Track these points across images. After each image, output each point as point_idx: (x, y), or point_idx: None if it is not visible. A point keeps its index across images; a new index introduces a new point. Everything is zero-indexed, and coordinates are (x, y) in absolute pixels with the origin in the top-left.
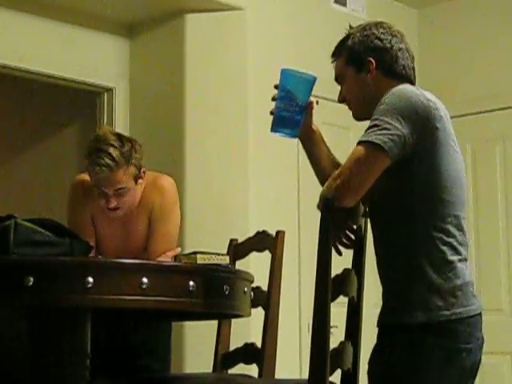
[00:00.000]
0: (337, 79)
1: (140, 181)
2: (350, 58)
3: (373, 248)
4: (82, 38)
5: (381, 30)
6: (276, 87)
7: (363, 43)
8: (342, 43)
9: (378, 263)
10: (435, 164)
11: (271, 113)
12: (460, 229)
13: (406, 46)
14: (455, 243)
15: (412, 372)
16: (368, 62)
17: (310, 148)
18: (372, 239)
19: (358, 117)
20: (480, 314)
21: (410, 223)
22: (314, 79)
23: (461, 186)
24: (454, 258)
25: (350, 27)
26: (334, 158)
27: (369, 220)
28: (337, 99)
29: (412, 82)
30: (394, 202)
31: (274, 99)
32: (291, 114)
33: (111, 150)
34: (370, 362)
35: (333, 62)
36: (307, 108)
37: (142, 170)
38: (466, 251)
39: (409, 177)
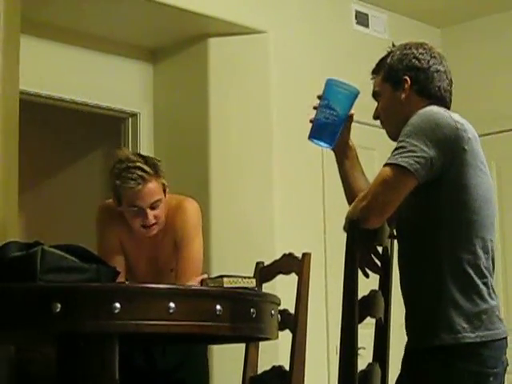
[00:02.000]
0: (374, 95)
1: (165, 196)
2: (388, 75)
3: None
4: (106, 64)
5: (420, 50)
6: (319, 97)
7: (401, 61)
8: (383, 60)
9: (402, 284)
10: (463, 185)
11: (311, 121)
12: (486, 251)
13: (444, 68)
14: (481, 266)
15: None
16: (403, 81)
17: (342, 162)
18: (396, 261)
19: (391, 135)
20: (505, 338)
21: (436, 244)
22: (357, 92)
23: (489, 208)
24: (480, 281)
25: (393, 45)
26: (365, 179)
27: (397, 241)
28: (372, 116)
29: (447, 105)
30: (421, 223)
31: (315, 108)
32: (330, 123)
33: (139, 164)
34: None
35: (372, 78)
36: (346, 120)
37: (167, 184)
38: (492, 274)
39: (437, 198)
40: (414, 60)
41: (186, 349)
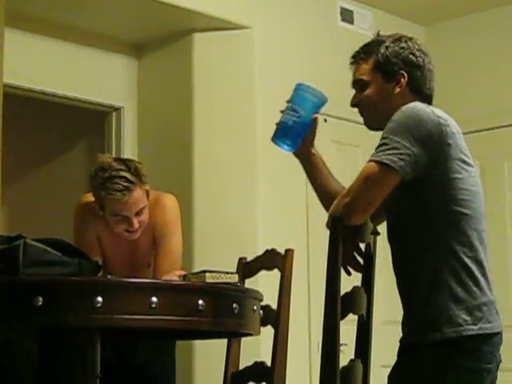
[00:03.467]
0: (355, 82)
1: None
2: (381, 65)
3: (381, 266)
4: (91, 58)
5: (415, 46)
6: (288, 101)
7: (398, 55)
8: (370, 48)
9: (398, 281)
10: (450, 179)
11: (276, 124)
12: (481, 242)
13: (432, 67)
14: (479, 257)
15: None
16: (399, 75)
17: (308, 169)
18: (384, 257)
19: (371, 125)
20: (501, 333)
21: (430, 238)
22: (324, 100)
23: (478, 200)
24: (478, 272)
25: (378, 34)
26: (336, 181)
27: (388, 239)
28: (350, 102)
29: (431, 104)
30: (412, 219)
31: (282, 111)
32: (293, 127)
33: (122, 173)
34: (393, 379)
35: (354, 63)
36: (311, 125)
37: (148, 187)
38: (488, 265)
39: (425, 194)
40: (411, 56)
41: (156, 346)
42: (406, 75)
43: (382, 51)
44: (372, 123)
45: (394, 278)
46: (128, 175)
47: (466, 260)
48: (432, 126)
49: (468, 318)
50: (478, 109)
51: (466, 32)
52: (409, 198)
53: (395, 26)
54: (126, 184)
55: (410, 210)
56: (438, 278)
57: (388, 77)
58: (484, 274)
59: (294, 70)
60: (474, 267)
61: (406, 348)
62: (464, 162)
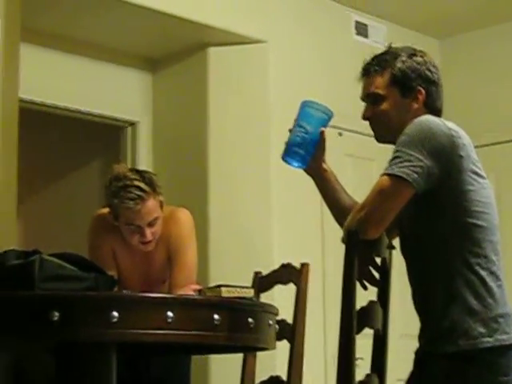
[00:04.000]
0: (369, 95)
1: (162, 211)
2: (398, 80)
3: (397, 280)
4: (106, 73)
5: (431, 62)
6: (295, 119)
7: (416, 70)
8: (384, 60)
9: (414, 294)
10: (463, 191)
11: (286, 142)
12: (496, 253)
13: (442, 81)
14: (494, 268)
15: None
16: (417, 91)
17: (320, 185)
18: (399, 270)
19: (383, 138)
20: None
21: (445, 250)
22: (330, 115)
23: (492, 211)
24: (494, 284)
25: (390, 47)
26: (349, 196)
27: (402, 252)
28: (362, 115)
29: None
30: (426, 232)
31: (290, 131)
32: (302, 144)
33: (136, 182)
34: None
35: (366, 75)
36: (319, 141)
37: (163, 199)
38: (504, 277)
39: (438, 206)
40: (427, 72)
41: (170, 362)
42: (423, 92)
43: (399, 65)
44: (384, 137)
45: (410, 291)
46: (142, 185)
47: (481, 272)
48: (444, 138)
49: (484, 331)
50: (492, 122)
51: (479, 45)
52: (422, 211)
53: (409, 39)
54: (139, 193)
55: (424, 222)
56: (453, 291)
57: (405, 92)
58: (500, 286)
59: (309, 83)
60: (488, 279)
61: (422, 359)
62: (476, 173)
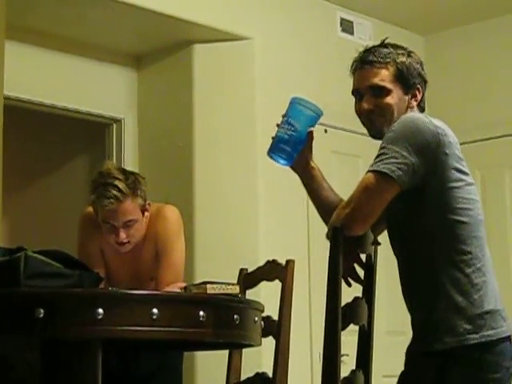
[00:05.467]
0: (371, 87)
1: (146, 213)
2: (402, 76)
3: (382, 276)
4: (91, 70)
5: (422, 61)
6: (284, 115)
7: (416, 68)
8: (386, 54)
9: (403, 290)
10: (447, 188)
11: (272, 137)
12: (482, 249)
13: None
14: (479, 264)
15: None
16: (416, 89)
17: (306, 183)
18: (385, 267)
19: (380, 133)
20: (509, 337)
21: (430, 248)
22: (319, 113)
23: (476, 207)
24: (479, 280)
25: (385, 41)
26: (335, 194)
27: (392, 249)
28: (360, 106)
29: None
30: (411, 229)
31: (278, 125)
32: (289, 141)
33: (117, 182)
34: None
35: (369, 65)
36: (306, 139)
37: (148, 202)
38: (492, 271)
39: (423, 204)
40: (422, 71)
41: (161, 357)
42: (421, 90)
43: (403, 60)
44: (381, 131)
45: (395, 288)
46: (121, 185)
47: (466, 269)
48: (429, 135)
49: (469, 327)
50: (478, 118)
51: (464, 41)
52: (407, 207)
53: (394, 36)
54: (116, 193)
55: (409, 219)
56: (439, 288)
57: (407, 88)
58: (485, 282)
59: (295, 80)
60: (474, 275)
61: (411, 357)
62: (460, 171)
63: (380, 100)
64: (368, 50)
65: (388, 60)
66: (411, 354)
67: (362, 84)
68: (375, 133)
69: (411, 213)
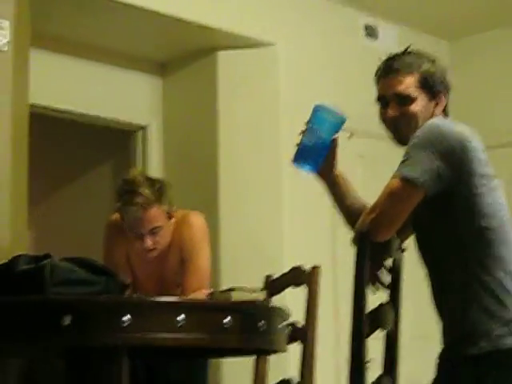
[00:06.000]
0: (397, 95)
1: (172, 220)
2: (427, 83)
3: (408, 281)
4: (116, 77)
5: (445, 68)
6: (306, 123)
7: (440, 76)
8: (410, 61)
9: (433, 297)
10: (474, 194)
11: (296, 145)
12: (511, 252)
13: None
14: (509, 268)
15: None
16: (441, 97)
17: (331, 189)
18: (410, 272)
19: (405, 140)
20: None
21: (460, 253)
22: (343, 120)
23: (504, 211)
24: (511, 284)
25: (409, 49)
26: (359, 200)
27: (419, 256)
28: (385, 113)
29: None
30: (441, 236)
31: (301, 133)
32: (313, 148)
33: (141, 189)
34: None
35: (394, 74)
36: (331, 146)
37: (174, 208)
38: None
39: (451, 210)
40: (445, 79)
41: (188, 365)
42: (443, 97)
43: (428, 68)
44: (405, 139)
45: (420, 294)
46: (146, 192)
47: (498, 273)
48: (454, 140)
49: (504, 331)
50: (504, 123)
51: (490, 46)
52: (435, 215)
53: (419, 41)
54: (141, 200)
55: (438, 226)
56: (471, 293)
57: (431, 96)
58: None
59: (319, 86)
60: (505, 280)
61: (444, 363)
62: (486, 175)
63: (405, 108)
64: (392, 58)
65: (413, 68)
66: (444, 359)
67: (388, 91)
68: (399, 139)
69: (439, 220)
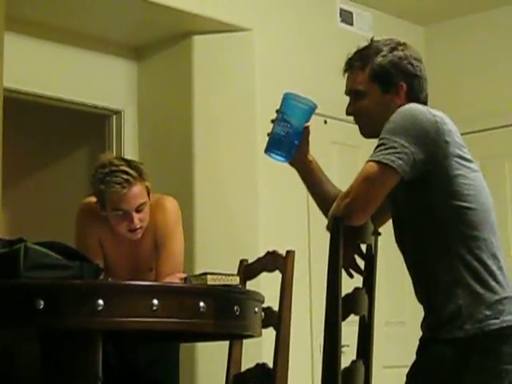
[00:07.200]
0: (354, 93)
1: (149, 198)
2: (378, 76)
3: (382, 267)
4: (90, 62)
5: (412, 54)
6: (277, 111)
7: (396, 65)
8: (365, 56)
9: (415, 282)
10: (452, 176)
11: (268, 134)
12: (494, 235)
13: (425, 73)
14: (494, 250)
15: None
16: (398, 86)
17: (305, 177)
18: (385, 257)
19: (367, 134)
20: None
21: (444, 236)
22: (313, 107)
23: (484, 193)
24: (495, 266)
25: (372, 40)
26: (333, 186)
27: (397, 240)
28: (345, 110)
29: None
30: (422, 221)
31: (273, 121)
32: (286, 137)
33: (122, 167)
34: (411, 375)
35: (349, 71)
36: (303, 134)
37: (150, 186)
38: (503, 258)
39: (430, 194)
40: (409, 66)
41: (157, 348)
42: (404, 86)
43: (379, 61)
44: (368, 132)
45: (395, 279)
46: (128, 169)
47: (481, 255)
48: (428, 124)
49: (489, 313)
50: (477, 109)
51: (464, 32)
52: (415, 200)
53: (394, 27)
54: (125, 177)
55: (418, 211)
56: (456, 276)
57: (386, 87)
58: (501, 268)
59: (294, 71)
60: (490, 262)
61: (425, 344)
62: (463, 158)
63: (358, 103)
64: (353, 54)
65: (365, 62)
66: (426, 342)
67: (347, 89)
68: (362, 133)
69: (420, 206)
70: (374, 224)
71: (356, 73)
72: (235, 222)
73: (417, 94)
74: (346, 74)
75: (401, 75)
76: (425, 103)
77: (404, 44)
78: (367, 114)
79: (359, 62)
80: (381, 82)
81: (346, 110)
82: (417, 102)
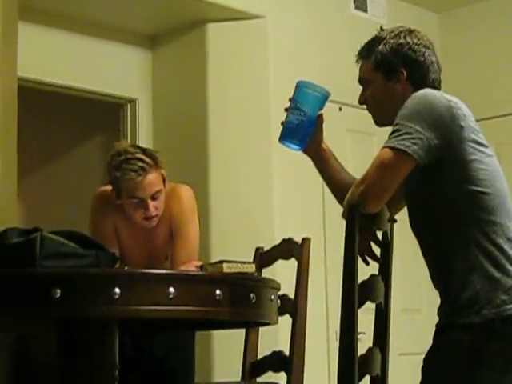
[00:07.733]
0: (362, 82)
1: (164, 186)
2: (380, 64)
3: (399, 254)
4: (105, 51)
5: (415, 40)
6: (290, 99)
7: (396, 52)
8: (371, 45)
9: (431, 267)
10: (467, 161)
11: (282, 123)
12: (510, 219)
13: (436, 58)
14: (509, 235)
15: (470, 376)
16: (399, 73)
17: (319, 166)
18: (400, 244)
19: (379, 122)
20: None
21: (459, 222)
22: (327, 95)
23: (499, 178)
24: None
25: (381, 29)
26: (347, 174)
27: (412, 227)
28: (358, 100)
29: None
30: (437, 206)
31: (286, 110)
32: (299, 126)
33: (138, 155)
34: (428, 360)
35: (358, 61)
36: (317, 122)
37: (165, 174)
38: None
39: (445, 179)
40: (410, 52)
41: (174, 338)
42: (404, 72)
43: (380, 49)
44: (380, 121)
45: (411, 266)
46: (143, 157)
47: (498, 239)
48: (443, 109)
49: (506, 298)
50: (493, 95)
51: (478, 19)
52: (430, 184)
53: (408, 14)
54: (141, 164)
55: (433, 196)
56: (472, 261)
57: (388, 75)
58: None
59: (309, 58)
60: (506, 246)
61: (442, 330)
62: (478, 142)
63: (366, 92)
64: (363, 45)
65: (370, 51)
66: (443, 328)
67: (358, 78)
68: (376, 122)
69: (434, 192)
70: (390, 211)
71: (363, 62)
72: (250, 209)
73: (419, 80)
74: (357, 65)
75: (401, 62)
76: (434, 86)
77: (410, 31)
78: (375, 103)
79: (366, 51)
80: (383, 70)
81: (359, 99)
82: (423, 86)
